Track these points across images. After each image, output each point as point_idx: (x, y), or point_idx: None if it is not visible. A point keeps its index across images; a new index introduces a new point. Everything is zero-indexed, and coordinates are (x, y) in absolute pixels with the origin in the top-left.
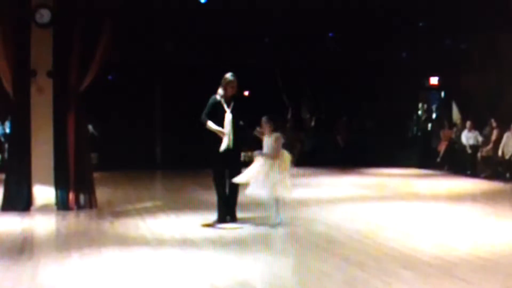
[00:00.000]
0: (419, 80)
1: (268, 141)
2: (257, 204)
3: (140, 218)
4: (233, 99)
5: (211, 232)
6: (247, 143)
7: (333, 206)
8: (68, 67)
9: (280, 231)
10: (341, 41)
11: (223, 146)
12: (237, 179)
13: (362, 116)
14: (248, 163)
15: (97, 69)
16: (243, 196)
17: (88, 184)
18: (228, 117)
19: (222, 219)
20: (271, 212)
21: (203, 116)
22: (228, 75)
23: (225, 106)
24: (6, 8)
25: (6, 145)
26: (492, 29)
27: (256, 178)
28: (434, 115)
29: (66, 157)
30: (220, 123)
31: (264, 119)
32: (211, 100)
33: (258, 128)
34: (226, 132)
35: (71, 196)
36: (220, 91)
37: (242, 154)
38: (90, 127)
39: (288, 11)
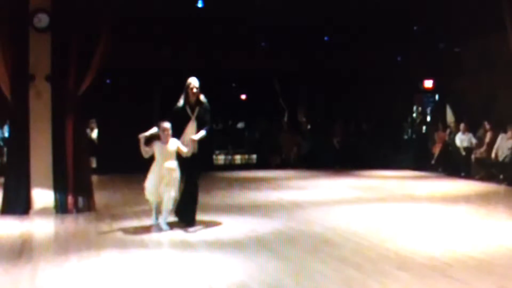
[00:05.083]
0: (414, 83)
1: (166, 149)
2: (255, 206)
3: (138, 221)
4: (198, 105)
5: (209, 234)
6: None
7: (329, 208)
8: (66, 72)
9: (277, 233)
10: (337, 45)
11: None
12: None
13: (358, 119)
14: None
15: (95, 73)
16: (241, 198)
17: (87, 188)
18: (192, 124)
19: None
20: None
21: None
22: (190, 79)
23: (189, 112)
24: (4, 13)
25: (5, 149)
26: (485, 32)
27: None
28: (428, 118)
29: (65, 160)
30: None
31: (166, 125)
32: (174, 107)
33: (142, 136)
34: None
35: (70, 199)
36: (182, 96)
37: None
38: (88, 130)
39: (285, 14)
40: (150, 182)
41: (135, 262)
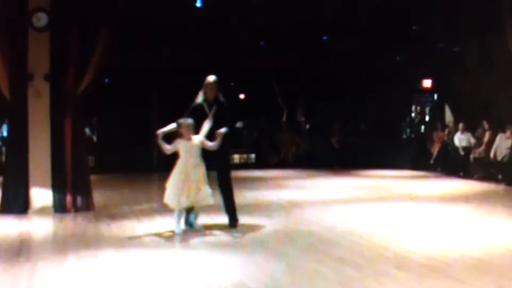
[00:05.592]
0: (413, 83)
1: (190, 145)
2: (253, 205)
3: (136, 220)
4: (216, 103)
5: (207, 234)
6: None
7: (327, 208)
8: (65, 71)
9: (276, 232)
10: (335, 45)
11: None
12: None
13: (356, 118)
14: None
15: (94, 72)
16: (239, 197)
17: (85, 187)
18: (209, 121)
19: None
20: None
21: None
22: (208, 77)
23: (207, 110)
24: (2, 12)
25: (4, 149)
26: (484, 32)
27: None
28: (427, 117)
29: (63, 160)
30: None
31: (189, 121)
32: (193, 104)
33: (164, 144)
34: (201, 136)
35: (69, 198)
36: (201, 93)
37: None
38: (87, 130)
39: (284, 15)
40: (174, 185)
41: (133, 261)
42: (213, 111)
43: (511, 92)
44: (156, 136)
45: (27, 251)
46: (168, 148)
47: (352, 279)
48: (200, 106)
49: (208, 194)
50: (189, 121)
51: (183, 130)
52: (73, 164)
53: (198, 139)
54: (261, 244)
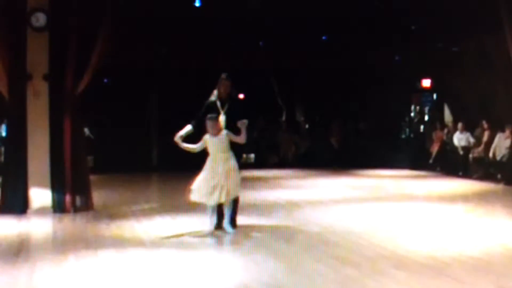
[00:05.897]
0: (412, 82)
1: (218, 140)
2: (252, 205)
3: (136, 220)
4: (229, 100)
5: (207, 234)
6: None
7: (327, 208)
8: (64, 71)
9: (276, 232)
10: (335, 45)
11: None
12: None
13: (355, 118)
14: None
15: (93, 72)
16: (239, 198)
17: (85, 187)
18: (222, 118)
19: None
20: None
21: (193, 120)
22: (222, 75)
23: (219, 107)
24: (1, 12)
25: (3, 149)
26: (483, 32)
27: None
28: (426, 117)
29: (63, 159)
30: None
31: (214, 117)
32: (206, 102)
33: (179, 137)
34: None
35: (68, 198)
36: (215, 91)
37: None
38: (86, 129)
39: (283, 14)
40: (199, 179)
41: (133, 261)
42: (226, 107)
43: (510, 91)
44: (175, 143)
45: (26, 251)
46: (195, 147)
47: (351, 278)
48: (213, 103)
49: (225, 192)
50: (215, 116)
51: (210, 127)
52: (72, 164)
53: (225, 132)
54: (261, 244)
